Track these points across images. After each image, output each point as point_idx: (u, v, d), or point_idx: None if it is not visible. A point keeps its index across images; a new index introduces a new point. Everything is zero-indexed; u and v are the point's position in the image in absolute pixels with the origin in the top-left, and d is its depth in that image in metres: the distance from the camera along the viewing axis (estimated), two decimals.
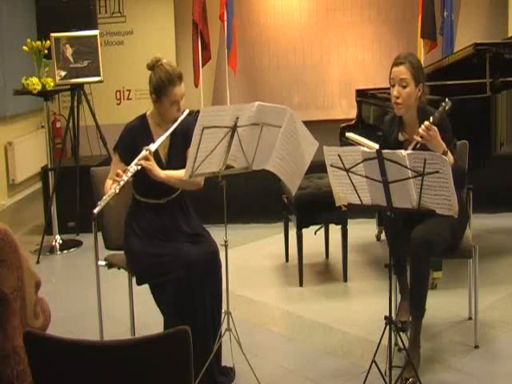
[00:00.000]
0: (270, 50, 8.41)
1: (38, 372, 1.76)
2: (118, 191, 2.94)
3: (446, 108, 3.11)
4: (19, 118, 6.28)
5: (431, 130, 3.09)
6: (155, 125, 3.20)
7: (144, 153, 3.02)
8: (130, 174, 2.98)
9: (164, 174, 3.08)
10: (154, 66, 3.12)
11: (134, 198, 3.26)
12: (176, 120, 3.12)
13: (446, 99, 3.12)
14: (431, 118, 3.12)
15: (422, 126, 3.11)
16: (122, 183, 2.95)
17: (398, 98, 3.30)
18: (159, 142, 3.09)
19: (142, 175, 3.07)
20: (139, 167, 3.00)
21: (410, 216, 3.13)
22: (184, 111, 3.16)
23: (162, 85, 3.08)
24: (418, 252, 3.18)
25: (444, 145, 3.14)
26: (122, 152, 3.17)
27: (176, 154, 3.21)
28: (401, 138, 3.41)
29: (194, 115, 3.19)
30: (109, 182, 3.12)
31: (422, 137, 3.09)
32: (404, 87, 3.29)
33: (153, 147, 3.06)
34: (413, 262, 3.21)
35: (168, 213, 3.20)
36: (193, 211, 3.30)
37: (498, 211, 5.68)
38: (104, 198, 2.97)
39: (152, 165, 3.03)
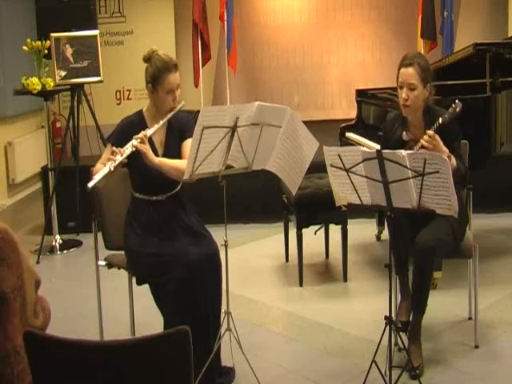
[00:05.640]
0: (270, 50, 8.40)
1: (38, 372, 1.76)
2: (112, 169, 2.94)
3: (457, 110, 3.10)
4: (19, 117, 6.27)
5: (434, 140, 3.09)
6: (151, 119, 3.20)
7: (140, 134, 3.02)
8: (125, 155, 2.98)
9: (158, 159, 3.07)
10: (150, 57, 3.16)
11: (132, 197, 3.26)
12: (172, 110, 3.14)
13: (457, 100, 3.10)
14: (440, 119, 3.12)
15: (425, 137, 3.11)
16: (117, 162, 2.95)
17: (406, 100, 3.31)
18: (155, 128, 3.09)
19: (138, 169, 3.09)
20: (134, 149, 3.00)
21: (414, 217, 3.14)
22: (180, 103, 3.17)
23: (158, 72, 3.11)
24: (422, 256, 3.20)
25: (447, 150, 3.14)
26: (116, 143, 3.12)
27: (172, 148, 3.20)
28: (405, 137, 3.41)
29: (193, 115, 3.19)
30: (99, 165, 3.08)
31: (424, 146, 3.09)
32: (412, 90, 3.30)
33: (149, 132, 3.07)
34: (416, 264, 3.23)
35: (167, 209, 3.18)
36: (192, 209, 3.29)
37: (498, 211, 5.67)
38: (99, 173, 2.94)
39: (147, 148, 3.03)
